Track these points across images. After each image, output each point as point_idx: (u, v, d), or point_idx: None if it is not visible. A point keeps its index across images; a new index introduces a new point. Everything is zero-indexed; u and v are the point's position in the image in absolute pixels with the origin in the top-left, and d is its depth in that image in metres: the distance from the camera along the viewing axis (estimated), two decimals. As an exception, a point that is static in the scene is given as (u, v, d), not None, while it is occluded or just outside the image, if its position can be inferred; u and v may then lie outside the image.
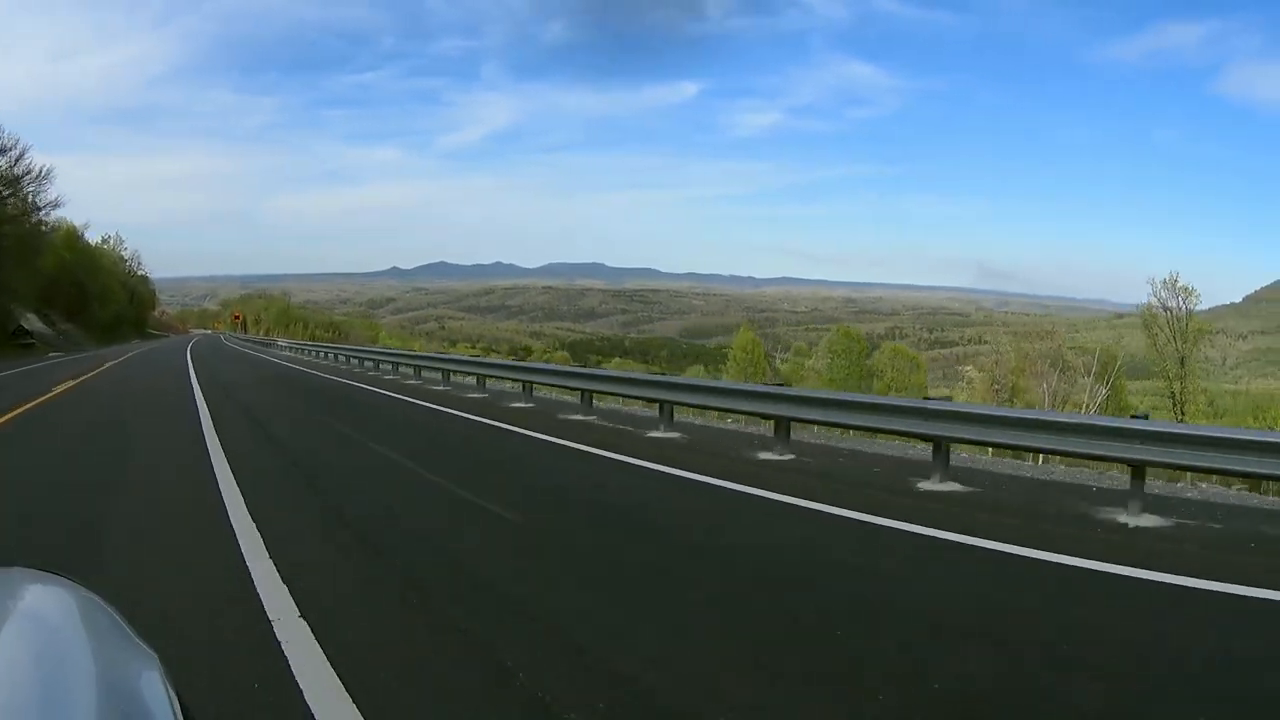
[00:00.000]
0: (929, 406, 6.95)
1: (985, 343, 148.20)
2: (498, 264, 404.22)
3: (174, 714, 0.77)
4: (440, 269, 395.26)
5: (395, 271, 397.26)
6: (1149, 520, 5.51)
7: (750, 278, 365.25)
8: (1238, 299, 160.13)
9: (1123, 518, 5.57)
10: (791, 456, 8.18)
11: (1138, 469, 5.58)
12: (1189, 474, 7.47)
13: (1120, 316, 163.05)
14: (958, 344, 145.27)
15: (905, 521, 5.37)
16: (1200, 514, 5.88)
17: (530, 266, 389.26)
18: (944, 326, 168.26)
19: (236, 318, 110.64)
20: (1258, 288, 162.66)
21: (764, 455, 8.30)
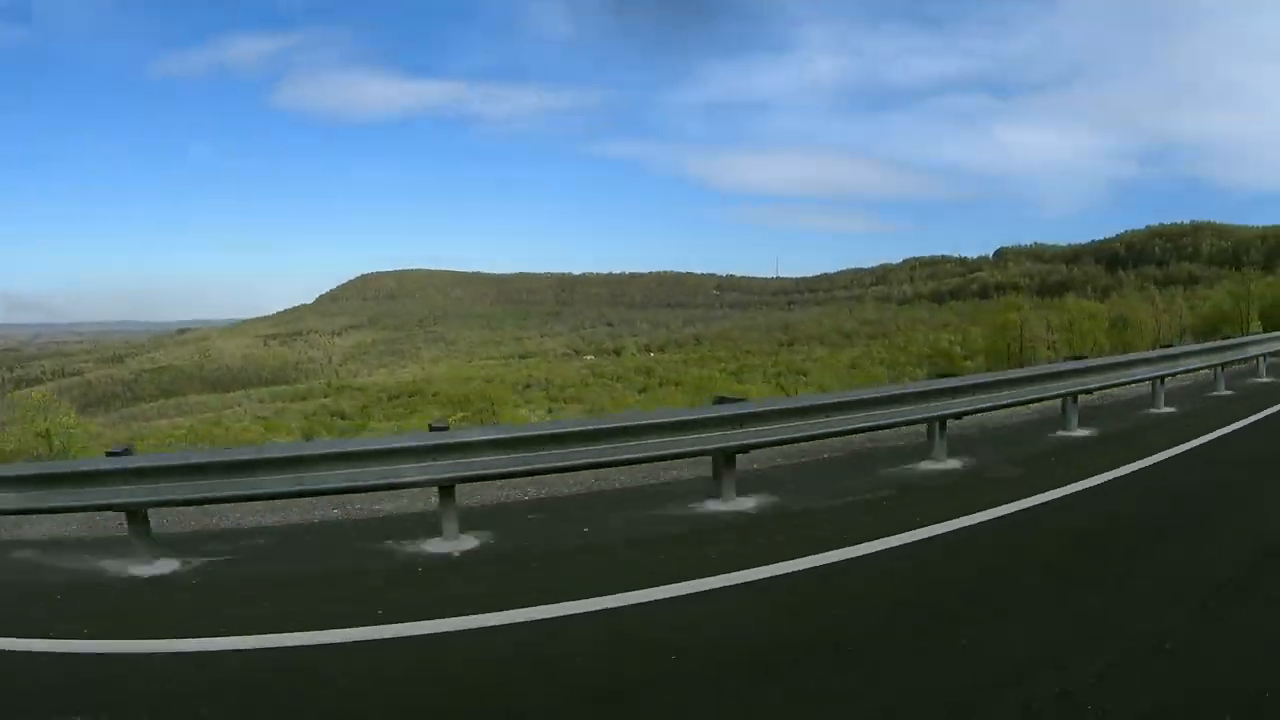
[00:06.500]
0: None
1: (78, 374, 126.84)
2: None
3: None
4: None
5: None
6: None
7: None
8: (310, 300, 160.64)
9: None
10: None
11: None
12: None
13: (183, 331, 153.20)
14: (49, 379, 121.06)
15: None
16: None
17: None
18: (17, 364, 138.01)
19: None
20: (329, 288, 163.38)
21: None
